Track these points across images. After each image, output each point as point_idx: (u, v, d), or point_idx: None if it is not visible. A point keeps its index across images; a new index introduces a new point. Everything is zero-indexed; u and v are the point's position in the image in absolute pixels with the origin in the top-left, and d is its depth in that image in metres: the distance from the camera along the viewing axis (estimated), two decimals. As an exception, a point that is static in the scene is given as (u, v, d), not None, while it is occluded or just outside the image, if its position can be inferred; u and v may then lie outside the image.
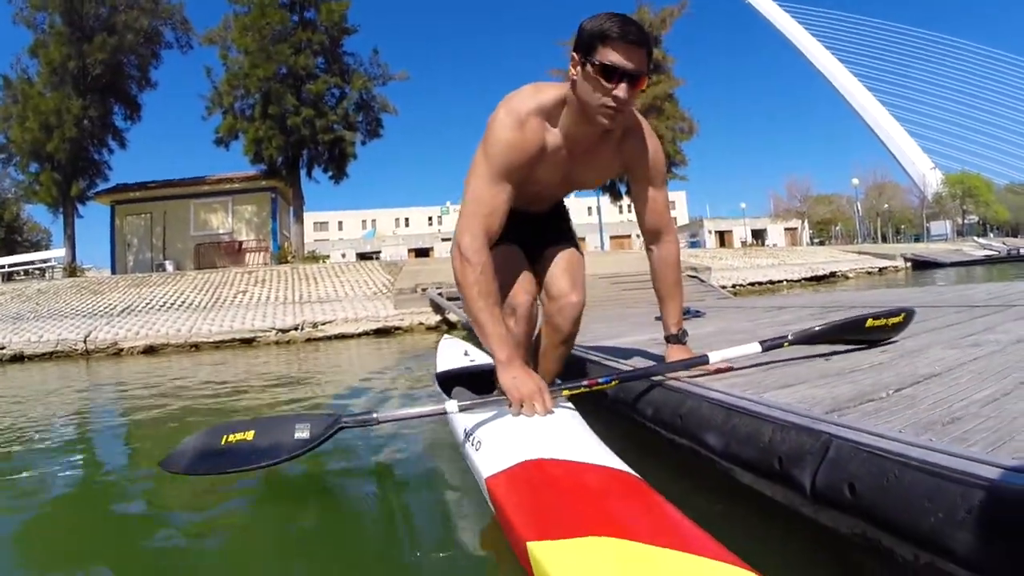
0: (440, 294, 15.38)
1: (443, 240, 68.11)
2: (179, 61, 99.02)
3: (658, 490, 1.58)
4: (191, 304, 17.54)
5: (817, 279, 25.54)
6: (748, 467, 1.86)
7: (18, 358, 13.84)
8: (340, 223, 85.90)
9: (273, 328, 14.34)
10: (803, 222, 68.87)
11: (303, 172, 28.88)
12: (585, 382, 2.28)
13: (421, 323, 14.90)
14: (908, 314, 2.98)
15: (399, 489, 2.88)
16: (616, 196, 38.86)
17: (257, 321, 14.91)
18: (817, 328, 2.69)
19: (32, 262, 33.11)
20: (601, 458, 1.73)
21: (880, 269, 30.34)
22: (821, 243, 63.66)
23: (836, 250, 37.23)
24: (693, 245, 55.68)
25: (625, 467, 1.70)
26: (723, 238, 64.24)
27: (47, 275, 30.58)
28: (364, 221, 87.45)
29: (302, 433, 2.22)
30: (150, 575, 2.09)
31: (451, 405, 2.13)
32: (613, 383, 2.36)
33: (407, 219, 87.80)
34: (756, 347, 2.55)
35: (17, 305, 19.03)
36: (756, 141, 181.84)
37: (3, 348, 14.10)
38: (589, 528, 1.34)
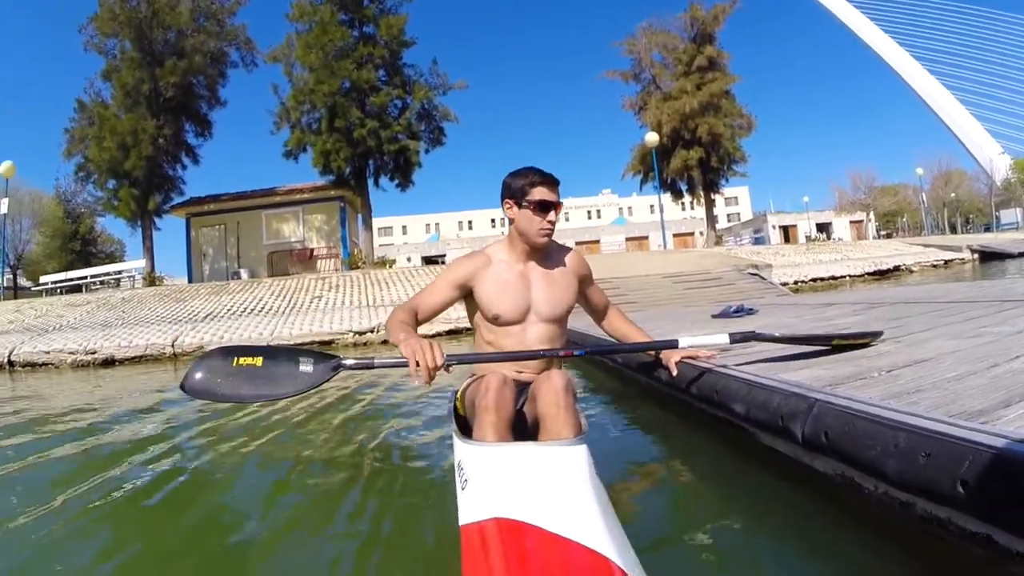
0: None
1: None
2: (245, 79, 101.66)
3: (696, 454, 2.08)
4: (270, 309, 18.28)
5: (880, 274, 25.00)
6: (761, 426, 2.53)
7: (109, 362, 14.79)
8: (404, 227, 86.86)
9: (350, 330, 14.96)
10: (868, 214, 66.61)
11: (370, 181, 29.71)
12: (561, 351, 2.72)
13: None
14: (875, 336, 3.34)
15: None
16: (678, 194, 39.01)
17: (335, 324, 15.53)
18: (777, 334, 3.14)
19: (108, 273, 34.33)
20: (582, 528, 1.52)
21: (946, 262, 29.06)
22: (888, 236, 61.08)
23: (901, 243, 35.86)
24: (757, 241, 53.46)
25: (605, 541, 1.49)
26: (787, 233, 62.08)
27: (122, 285, 31.87)
28: (428, 225, 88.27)
29: (306, 367, 2.48)
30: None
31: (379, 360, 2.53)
32: (586, 356, 3.00)
33: (470, 222, 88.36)
34: (725, 338, 2.96)
35: (104, 313, 20.05)
36: (818, 132, 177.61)
37: (95, 353, 15.10)
38: None
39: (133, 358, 14.84)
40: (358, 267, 26.39)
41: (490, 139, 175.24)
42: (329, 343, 14.48)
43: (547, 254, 2.84)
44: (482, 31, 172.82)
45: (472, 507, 1.71)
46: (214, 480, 3.72)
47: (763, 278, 18.35)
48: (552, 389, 2.16)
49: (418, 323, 2.69)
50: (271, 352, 2.57)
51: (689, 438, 3.49)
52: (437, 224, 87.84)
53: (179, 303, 20.28)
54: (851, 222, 65.19)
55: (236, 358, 2.49)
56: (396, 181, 29.62)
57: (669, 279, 17.64)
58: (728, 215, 79.24)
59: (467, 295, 2.81)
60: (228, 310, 18.60)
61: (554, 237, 2.78)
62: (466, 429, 2.34)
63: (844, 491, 2.12)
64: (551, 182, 2.70)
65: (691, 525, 2.31)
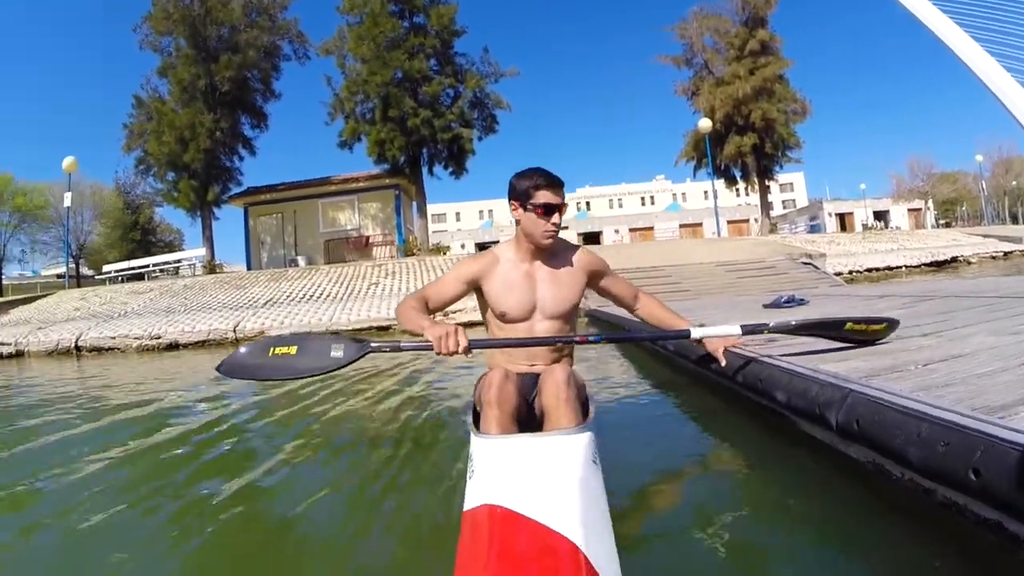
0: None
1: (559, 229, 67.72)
2: (298, 72, 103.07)
3: (738, 438, 2.24)
4: (328, 295, 18.73)
5: (937, 265, 24.30)
6: (800, 414, 2.72)
7: (172, 346, 15.43)
8: (457, 214, 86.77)
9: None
10: (926, 203, 64.77)
11: (424, 169, 30.10)
12: (577, 337, 2.83)
13: (544, 310, 15.34)
14: (891, 324, 3.37)
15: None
16: (731, 181, 38.68)
17: (392, 310, 15.62)
18: (794, 323, 3.28)
19: (168, 262, 35.28)
20: (560, 516, 1.59)
21: (1005, 253, 28.16)
22: (946, 225, 59.05)
23: (960, 233, 34.66)
24: (813, 229, 52.49)
25: (579, 529, 1.56)
26: (843, 221, 60.27)
27: (181, 273, 32.76)
28: (481, 211, 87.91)
29: (337, 352, 2.66)
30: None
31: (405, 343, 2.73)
32: (602, 342, 2.98)
33: None
34: (737, 329, 3.02)
35: (167, 300, 20.80)
36: (875, 116, 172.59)
37: (159, 338, 15.76)
38: None
39: (196, 343, 15.43)
40: (413, 254, 26.81)
41: (542, 124, 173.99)
42: (386, 328, 14.78)
43: (553, 253, 2.92)
44: (532, 17, 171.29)
45: (472, 495, 1.81)
46: (255, 449, 4.24)
47: (817, 267, 18.21)
48: (553, 382, 2.31)
49: (429, 312, 2.82)
50: (304, 339, 2.76)
51: (735, 424, 3.65)
52: (490, 210, 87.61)
53: (239, 290, 20.90)
54: (909, 210, 63.36)
55: (272, 348, 2.72)
56: (450, 169, 29.99)
57: (722, 267, 17.62)
58: (783, 202, 77.93)
59: (478, 292, 2.93)
60: (287, 296, 19.09)
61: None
62: (479, 419, 2.45)
63: (875, 478, 2.26)
64: (555, 185, 2.77)
65: (733, 506, 2.46)
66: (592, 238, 63.81)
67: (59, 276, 51.54)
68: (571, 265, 2.93)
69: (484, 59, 30.39)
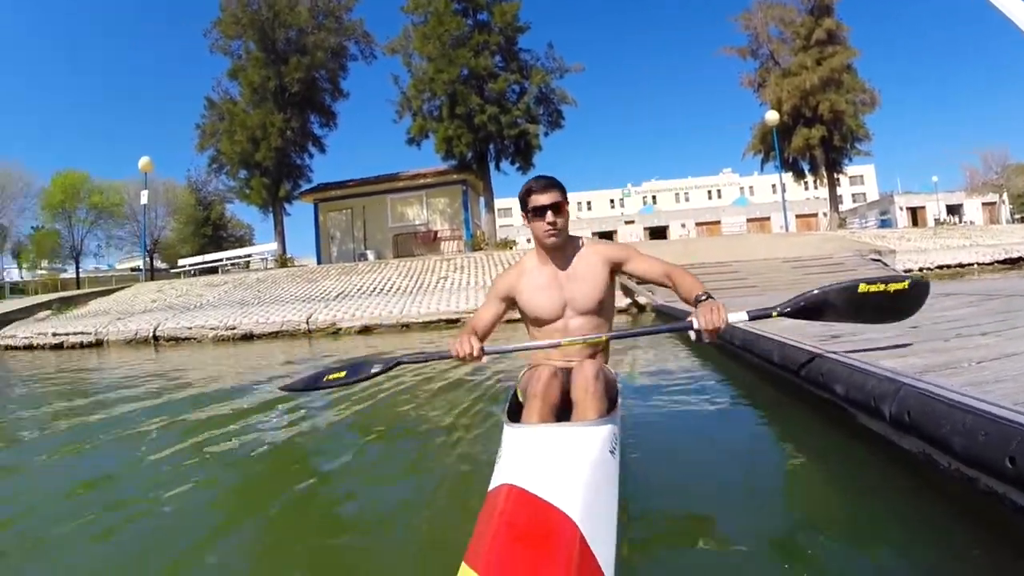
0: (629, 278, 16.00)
1: (626, 223, 67.15)
2: (365, 71, 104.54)
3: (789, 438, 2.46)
4: (398, 289, 19.11)
5: (1011, 262, 22.82)
6: (857, 406, 2.90)
7: (247, 337, 16.02)
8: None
9: (475, 309, 15.25)
10: (1000, 196, 61.82)
11: (491, 165, 30.41)
12: (589, 338, 2.92)
13: (612, 305, 15.38)
14: (916, 284, 3.11)
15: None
16: (799, 174, 37.89)
17: (461, 303, 16.14)
18: (803, 302, 3.04)
19: (239, 256, 36.41)
20: (564, 497, 1.77)
21: None
22: (1023, 220, 55.65)
23: None
24: (883, 224, 51.18)
25: (581, 510, 1.74)
26: (915, 215, 57.70)
27: (251, 267, 33.81)
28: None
29: (376, 368, 3.12)
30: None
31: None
32: (603, 339, 3.05)
33: (589, 203, 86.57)
34: (744, 315, 2.92)
35: (240, 292, 21.64)
36: (948, 107, 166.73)
37: (234, 329, 16.40)
38: (483, 563, 1.54)
39: (270, 334, 15.95)
40: (481, 248, 27.10)
41: (608, 118, 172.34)
42: (455, 321, 15.06)
43: (571, 252, 3.08)
44: (595, 10, 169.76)
45: (496, 476, 1.99)
46: (318, 433, 4.74)
47: (886, 264, 17.94)
48: (583, 377, 2.55)
49: (480, 339, 2.97)
50: (351, 365, 3.25)
51: (797, 416, 3.82)
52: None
53: (311, 283, 21.43)
54: (983, 204, 60.99)
55: (327, 375, 3.26)
56: (517, 164, 30.15)
57: (789, 264, 17.52)
58: (853, 195, 76.24)
59: (515, 304, 3.15)
60: (358, 289, 19.56)
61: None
62: (515, 412, 2.72)
63: (925, 468, 2.44)
64: (542, 188, 2.95)
65: (791, 491, 2.70)
66: (658, 233, 63.35)
67: (133, 269, 53.92)
68: (590, 260, 3.08)
69: (548, 55, 30.49)
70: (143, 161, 30.46)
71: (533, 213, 2.96)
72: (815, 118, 34.24)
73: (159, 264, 52.76)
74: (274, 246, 34.03)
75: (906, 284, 3.02)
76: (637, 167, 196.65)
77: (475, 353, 2.73)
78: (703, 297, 2.74)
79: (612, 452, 2.18)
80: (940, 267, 21.58)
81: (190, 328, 16.91)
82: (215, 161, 34.40)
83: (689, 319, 2.70)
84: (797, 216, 60.75)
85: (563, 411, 2.59)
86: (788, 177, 37.73)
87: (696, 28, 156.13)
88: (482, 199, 32.14)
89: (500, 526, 1.66)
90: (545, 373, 2.63)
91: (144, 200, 31.95)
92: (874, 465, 2.78)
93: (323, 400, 5.73)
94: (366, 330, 15.38)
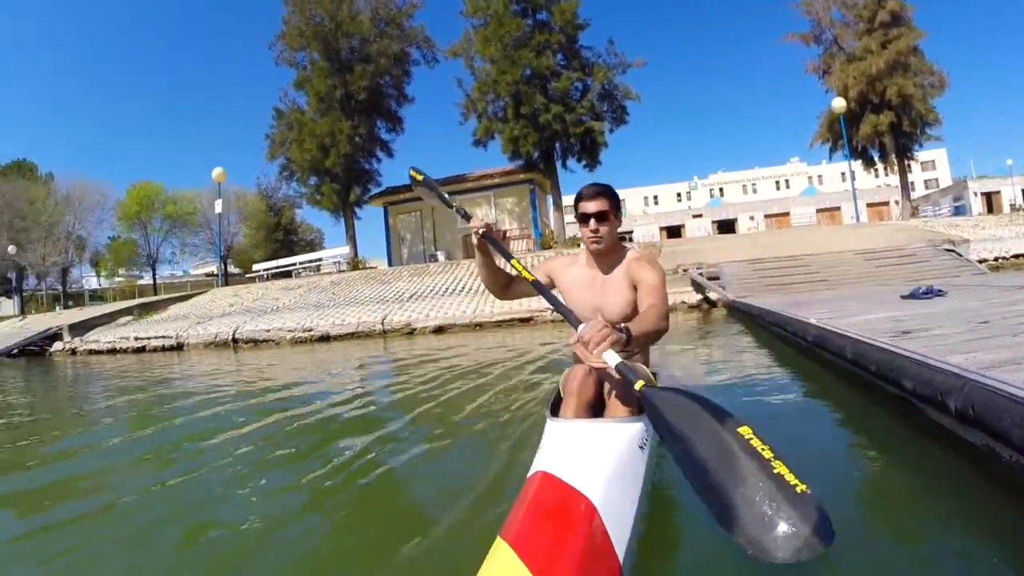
0: (700, 274, 16.18)
1: (693, 217, 65.79)
2: (428, 75, 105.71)
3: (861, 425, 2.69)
4: (469, 289, 19.45)
5: None
6: (925, 400, 3.03)
7: (324, 338, 16.56)
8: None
9: (548, 308, 15.40)
10: None
11: (558, 163, 30.70)
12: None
13: (683, 302, 15.44)
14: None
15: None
16: (869, 162, 36.96)
17: (533, 303, 15.94)
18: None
19: (311, 260, 37.24)
20: (588, 482, 1.98)
21: None
22: None
23: None
24: (957, 211, 49.30)
25: (603, 498, 1.95)
26: (990, 201, 54.80)
27: (323, 270, 34.66)
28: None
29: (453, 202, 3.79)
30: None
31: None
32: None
33: (655, 197, 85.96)
34: (616, 358, 2.48)
35: (315, 295, 22.29)
36: (1019, 84, 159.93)
37: (311, 330, 16.98)
38: (513, 537, 1.70)
39: (346, 335, 16.45)
40: (550, 247, 27.47)
41: (673, 112, 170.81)
42: (528, 320, 15.41)
43: (614, 260, 3.21)
44: (653, 4, 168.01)
45: (535, 464, 2.19)
46: (389, 418, 5.47)
47: (959, 255, 17.42)
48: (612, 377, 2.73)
49: (511, 286, 3.50)
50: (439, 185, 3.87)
51: (867, 409, 3.99)
52: (623, 200, 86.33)
53: (384, 285, 22.01)
54: (1065, 186, 58.17)
55: (443, 192, 3.83)
56: (583, 162, 30.44)
57: (860, 256, 17.17)
58: (926, 181, 74.04)
59: (552, 285, 3.36)
60: (430, 290, 20.02)
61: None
62: (556, 407, 2.89)
63: (989, 461, 2.60)
64: (591, 195, 3.12)
65: (860, 481, 2.87)
66: (727, 226, 62.44)
67: (207, 275, 55.75)
68: (622, 274, 3.16)
69: (610, 51, 30.60)
70: (216, 172, 31.64)
71: (580, 219, 3.15)
72: (883, 104, 33.41)
73: (233, 269, 54.17)
74: (346, 249, 34.91)
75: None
76: (704, 159, 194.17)
77: (481, 225, 3.24)
78: (621, 327, 2.53)
79: (642, 447, 2.40)
80: (1017, 256, 20.31)
81: (268, 331, 17.57)
82: (285, 169, 35.69)
83: (582, 325, 2.56)
84: (868, 205, 58.34)
85: (600, 407, 2.84)
86: (857, 165, 36.74)
87: (759, 17, 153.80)
88: (550, 197, 32.44)
89: (531, 506, 1.87)
90: (580, 372, 2.87)
91: (219, 209, 33.31)
92: (941, 459, 2.93)
93: (391, 380, 6.31)
94: (440, 330, 15.71)
